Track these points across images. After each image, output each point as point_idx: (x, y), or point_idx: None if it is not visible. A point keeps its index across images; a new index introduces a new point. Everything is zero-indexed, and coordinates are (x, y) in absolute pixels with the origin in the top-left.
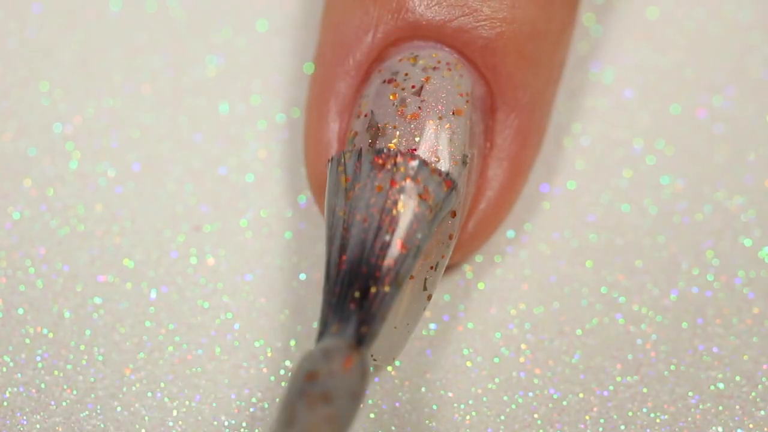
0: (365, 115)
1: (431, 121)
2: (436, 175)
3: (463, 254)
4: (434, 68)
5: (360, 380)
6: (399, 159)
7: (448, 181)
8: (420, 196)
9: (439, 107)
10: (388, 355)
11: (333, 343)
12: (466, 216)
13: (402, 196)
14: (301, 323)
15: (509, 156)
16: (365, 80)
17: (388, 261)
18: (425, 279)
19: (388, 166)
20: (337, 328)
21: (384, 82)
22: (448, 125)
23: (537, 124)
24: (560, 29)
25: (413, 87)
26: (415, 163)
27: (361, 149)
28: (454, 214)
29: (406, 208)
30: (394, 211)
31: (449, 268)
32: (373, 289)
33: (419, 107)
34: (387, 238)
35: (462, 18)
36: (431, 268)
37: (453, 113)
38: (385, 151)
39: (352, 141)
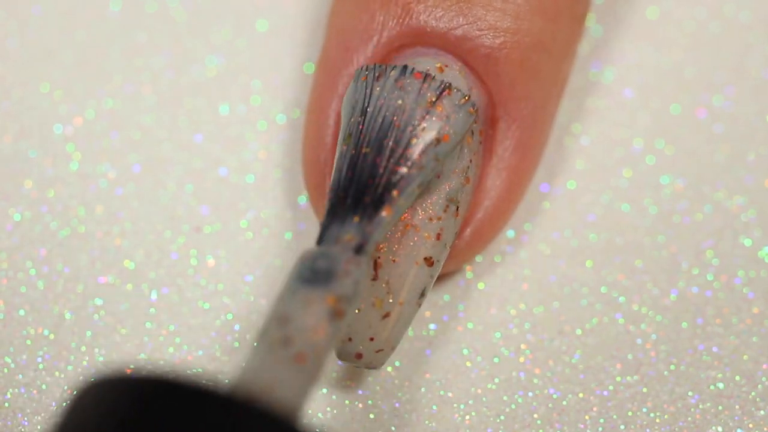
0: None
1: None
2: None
3: (457, 263)
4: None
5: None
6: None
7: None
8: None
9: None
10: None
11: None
12: (462, 224)
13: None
14: None
15: (509, 167)
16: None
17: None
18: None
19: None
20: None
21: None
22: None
23: (538, 136)
24: (566, 44)
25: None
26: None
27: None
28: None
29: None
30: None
31: (448, 273)
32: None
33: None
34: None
35: (466, 26)
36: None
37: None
38: (409, 72)
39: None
